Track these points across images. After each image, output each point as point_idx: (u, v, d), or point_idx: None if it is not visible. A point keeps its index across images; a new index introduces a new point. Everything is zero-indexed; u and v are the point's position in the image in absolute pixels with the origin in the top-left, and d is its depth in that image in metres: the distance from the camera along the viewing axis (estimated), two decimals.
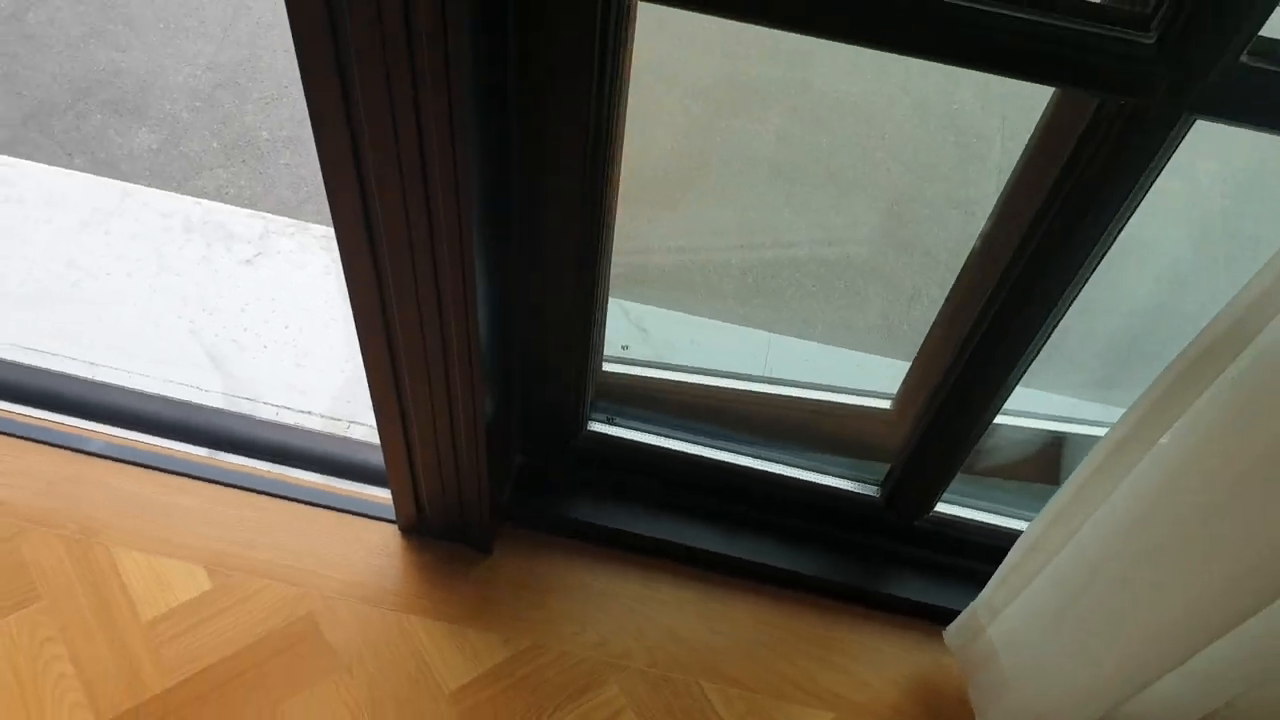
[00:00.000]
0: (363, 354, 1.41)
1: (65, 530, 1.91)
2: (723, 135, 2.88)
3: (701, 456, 1.78)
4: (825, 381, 1.84)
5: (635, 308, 2.10)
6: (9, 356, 2.13)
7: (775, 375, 1.87)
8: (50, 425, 2.02)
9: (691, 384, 1.81)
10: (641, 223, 2.60)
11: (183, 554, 1.89)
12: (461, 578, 1.86)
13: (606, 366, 1.80)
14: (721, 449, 1.80)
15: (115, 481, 1.96)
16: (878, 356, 2.28)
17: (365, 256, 1.23)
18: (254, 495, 1.95)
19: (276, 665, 1.79)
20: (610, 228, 1.45)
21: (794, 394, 1.82)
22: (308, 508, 1.93)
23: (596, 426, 1.79)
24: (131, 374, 2.15)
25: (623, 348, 1.82)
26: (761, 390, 1.83)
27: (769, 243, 2.59)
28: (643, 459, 1.81)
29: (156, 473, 1.97)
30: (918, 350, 1.56)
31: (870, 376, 2.13)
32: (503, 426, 1.73)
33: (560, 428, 1.78)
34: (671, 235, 2.56)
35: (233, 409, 2.09)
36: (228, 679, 1.77)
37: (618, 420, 1.80)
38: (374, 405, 1.55)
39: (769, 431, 1.84)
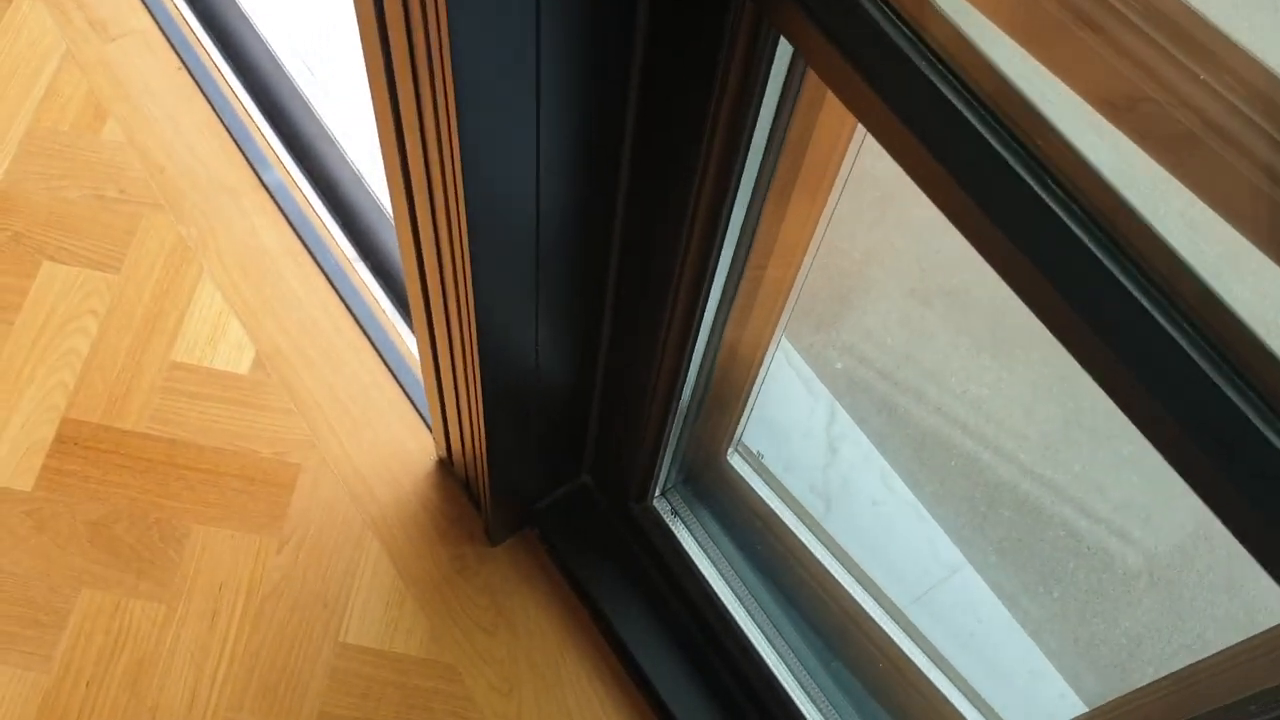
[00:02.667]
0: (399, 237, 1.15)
1: (186, 230, 1.84)
2: None
3: (745, 637, 1.43)
4: (984, 687, 1.42)
5: (847, 424, 1.74)
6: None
7: (923, 623, 1.46)
8: (256, 136, 1.94)
9: (809, 553, 1.44)
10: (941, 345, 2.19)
11: (253, 326, 1.76)
12: (451, 544, 1.62)
13: (733, 459, 1.47)
14: (773, 644, 1.43)
15: (260, 225, 1.86)
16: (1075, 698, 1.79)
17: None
18: (362, 337, 1.79)
19: (228, 488, 1.63)
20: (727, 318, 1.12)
21: (921, 661, 1.41)
22: (391, 380, 1.75)
23: (661, 506, 1.48)
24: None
25: (757, 452, 1.48)
26: (885, 629, 1.43)
27: (1048, 476, 2.10)
28: (684, 580, 1.48)
29: (303, 249, 1.85)
30: None
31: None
32: (547, 431, 1.45)
33: (625, 480, 1.48)
34: (953, 382, 2.14)
35: None
36: (181, 465, 1.64)
37: (684, 517, 1.48)
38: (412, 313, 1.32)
39: (857, 673, 1.45)
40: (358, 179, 1.92)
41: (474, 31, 0.74)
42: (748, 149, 0.86)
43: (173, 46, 1.99)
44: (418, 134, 0.90)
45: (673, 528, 1.48)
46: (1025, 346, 2.33)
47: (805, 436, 1.69)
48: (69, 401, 1.67)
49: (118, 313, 1.75)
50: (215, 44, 2.02)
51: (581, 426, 1.50)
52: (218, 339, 1.75)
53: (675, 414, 1.29)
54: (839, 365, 1.88)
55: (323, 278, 1.83)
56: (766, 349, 1.22)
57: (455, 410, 1.39)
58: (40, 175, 1.86)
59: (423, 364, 1.40)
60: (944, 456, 2.06)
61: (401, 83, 0.87)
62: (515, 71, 0.81)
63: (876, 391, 1.88)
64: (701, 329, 1.11)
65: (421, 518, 1.64)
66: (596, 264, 1.13)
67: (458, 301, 1.09)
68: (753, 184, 0.93)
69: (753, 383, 1.32)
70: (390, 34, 0.84)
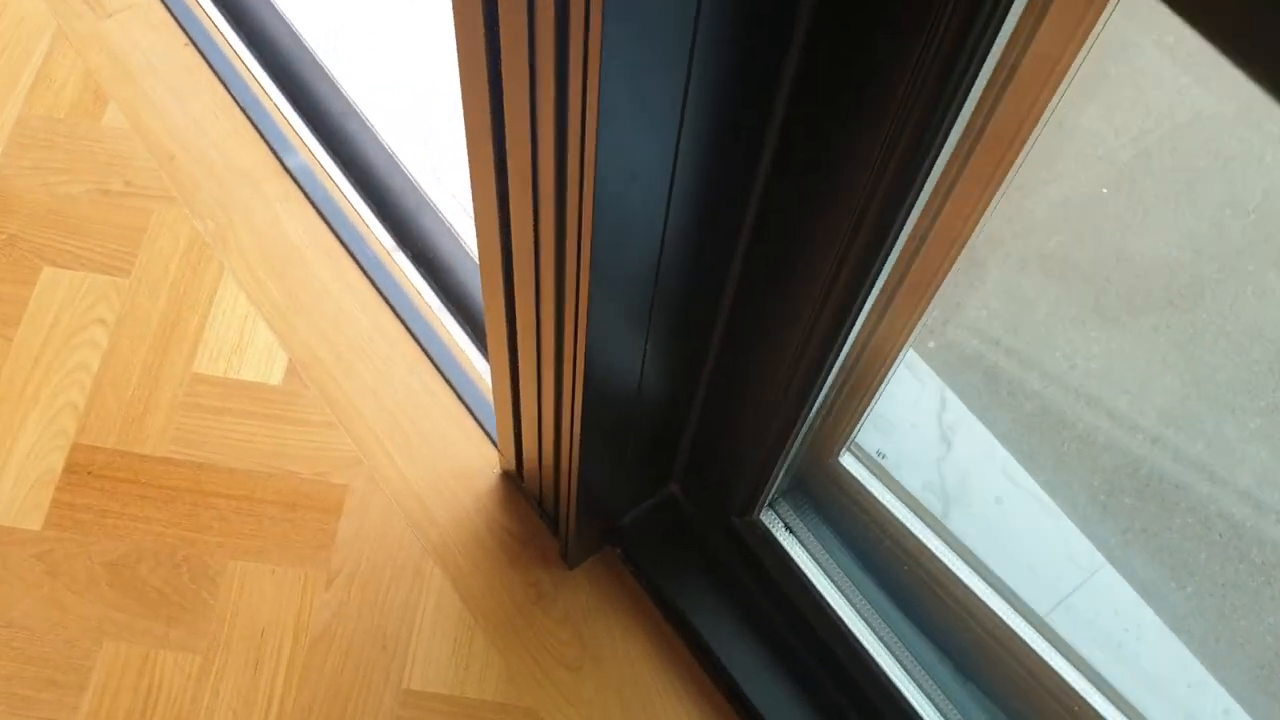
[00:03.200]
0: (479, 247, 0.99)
1: (202, 225, 1.64)
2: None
3: (869, 657, 1.23)
4: (1143, 702, 1.21)
5: (959, 411, 1.53)
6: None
7: (1067, 632, 1.25)
8: (275, 116, 1.74)
9: (936, 560, 1.24)
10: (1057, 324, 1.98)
11: (283, 330, 1.56)
12: (524, 569, 1.42)
13: (845, 460, 1.26)
14: (901, 664, 1.23)
15: (285, 215, 1.66)
16: None
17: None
18: (408, 337, 1.59)
19: (265, 516, 1.43)
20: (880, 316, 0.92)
21: (1070, 676, 1.21)
22: (442, 384, 1.55)
23: (769, 519, 1.28)
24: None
25: (877, 453, 1.28)
26: (1026, 640, 1.23)
27: (1170, 455, 1.89)
28: (797, 598, 1.28)
29: (335, 241, 1.65)
30: None
31: None
32: (641, 446, 1.25)
33: (728, 492, 1.28)
34: (1074, 357, 1.92)
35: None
36: (210, 492, 1.44)
37: (796, 529, 1.28)
38: (486, 317, 1.13)
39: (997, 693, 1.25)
40: (392, 160, 1.71)
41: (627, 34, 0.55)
42: (946, 130, 0.66)
43: (177, 20, 1.79)
44: (529, 152, 0.71)
45: (783, 541, 1.28)
46: (1134, 312, 2.11)
47: (914, 429, 1.48)
48: (79, 425, 1.47)
49: (130, 321, 1.55)
50: (225, 15, 1.81)
51: (675, 436, 1.30)
52: (244, 346, 1.55)
53: (803, 420, 1.08)
54: (937, 344, 1.67)
55: (359, 271, 1.62)
56: (905, 341, 1.03)
57: (535, 426, 1.20)
58: (36, 170, 1.66)
59: (495, 378, 1.21)
60: (1056, 440, 1.85)
61: (513, 95, 0.68)
62: (665, 67, 0.63)
63: (984, 370, 1.67)
64: (851, 330, 0.91)
65: (488, 541, 1.44)
66: (716, 276, 0.95)
67: (558, 333, 0.91)
68: (941, 171, 0.73)
69: (883, 379, 1.12)
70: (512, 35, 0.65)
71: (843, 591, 1.26)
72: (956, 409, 1.53)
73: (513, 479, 1.47)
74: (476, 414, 1.52)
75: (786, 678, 1.33)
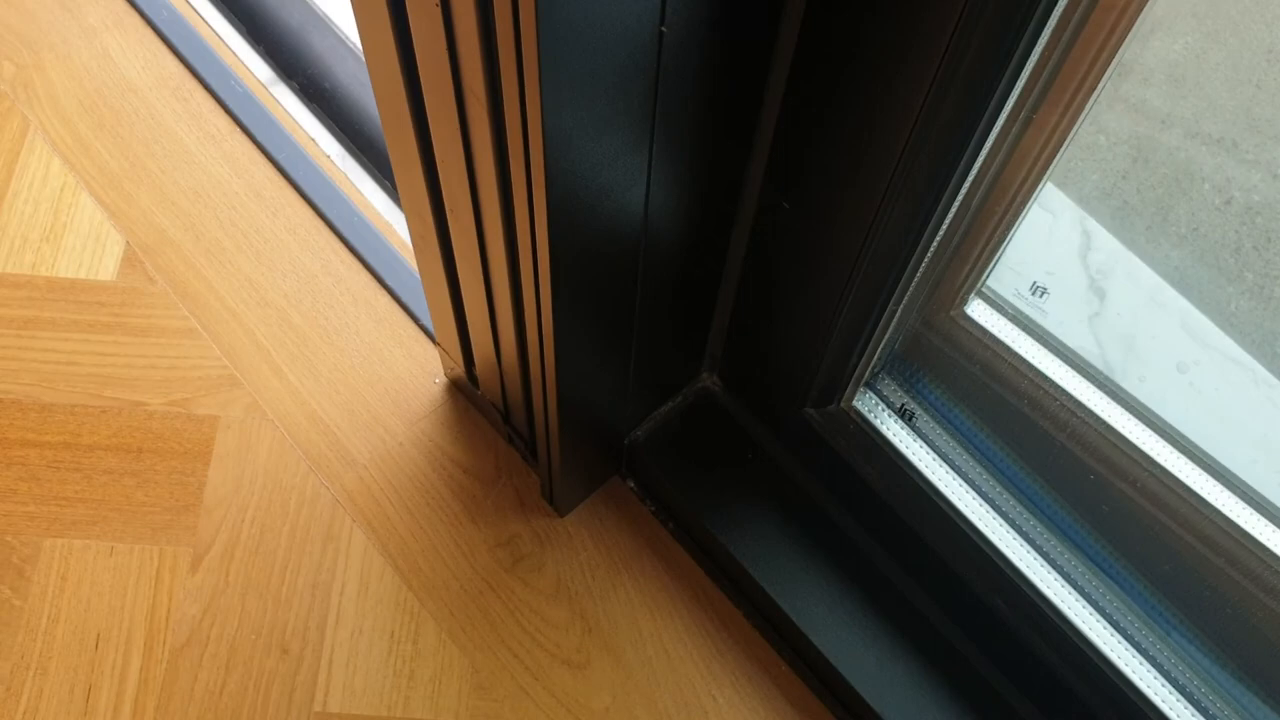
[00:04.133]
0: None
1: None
2: None
3: (1034, 590, 0.77)
4: None
5: (1112, 249, 1.08)
6: None
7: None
8: None
9: (1121, 445, 0.78)
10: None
11: (117, 205, 1.08)
12: (492, 523, 0.95)
13: (975, 310, 0.80)
14: (1085, 597, 0.78)
15: (117, 48, 1.17)
16: None
17: None
18: (298, 200, 1.11)
19: (98, 470, 0.96)
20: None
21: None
22: (352, 261, 1.07)
23: (865, 405, 0.82)
24: None
25: (1034, 288, 0.83)
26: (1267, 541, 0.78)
27: None
28: (919, 520, 0.82)
29: (188, 76, 1.16)
30: None
31: None
32: (656, 321, 0.79)
33: (792, 375, 0.82)
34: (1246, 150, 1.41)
35: None
36: (15, 441, 0.97)
37: (916, 417, 0.82)
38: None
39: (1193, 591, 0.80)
40: None
41: None
42: None
43: None
44: None
45: (891, 436, 0.82)
46: None
47: (1051, 276, 1.02)
48: None
49: None
50: None
51: (708, 303, 0.85)
52: (61, 230, 1.07)
53: (915, 261, 0.63)
54: (1072, 157, 1.20)
55: (223, 115, 1.14)
56: (1048, 164, 0.60)
57: (483, 300, 0.74)
58: None
59: (416, 233, 0.75)
60: (1261, 278, 1.36)
61: None
62: None
63: (1146, 189, 1.20)
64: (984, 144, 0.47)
65: (434, 484, 0.97)
66: (762, 28, 0.49)
67: (498, 143, 0.48)
68: None
69: (1018, 212, 0.69)
70: None
71: (989, 501, 0.81)
72: (1107, 246, 1.07)
73: (464, 389, 1.00)
74: (404, 300, 1.05)
75: (910, 655, 0.88)
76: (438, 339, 0.96)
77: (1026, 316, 0.85)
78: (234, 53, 1.18)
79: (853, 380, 0.81)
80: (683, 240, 0.74)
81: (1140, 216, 1.18)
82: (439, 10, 0.54)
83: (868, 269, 0.71)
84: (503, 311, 0.78)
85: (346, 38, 1.17)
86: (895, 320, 0.78)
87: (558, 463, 0.87)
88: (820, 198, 0.68)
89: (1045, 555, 0.79)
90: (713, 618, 0.93)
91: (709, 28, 0.57)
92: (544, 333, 0.71)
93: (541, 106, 0.51)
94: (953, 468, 0.81)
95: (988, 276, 0.81)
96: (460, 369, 0.95)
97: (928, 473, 0.80)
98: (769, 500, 0.91)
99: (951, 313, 0.82)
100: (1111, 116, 1.19)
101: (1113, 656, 0.77)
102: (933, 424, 0.82)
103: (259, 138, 1.12)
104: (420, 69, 0.62)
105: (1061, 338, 0.88)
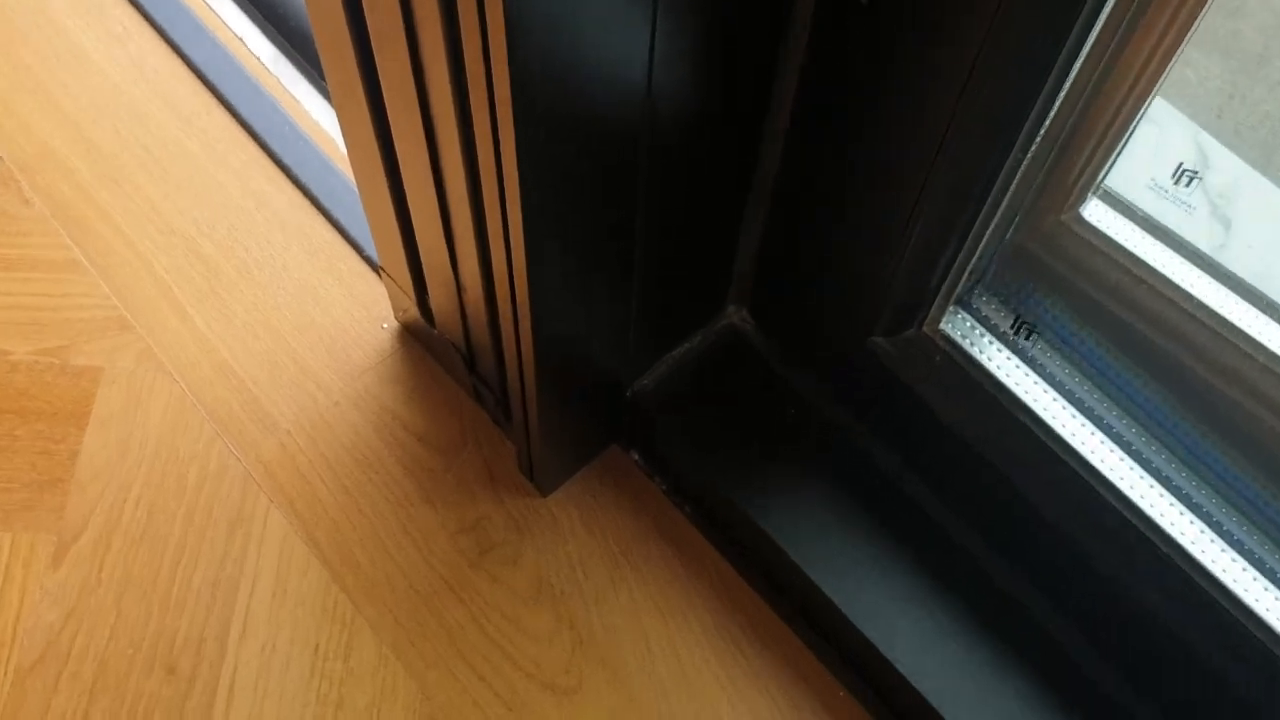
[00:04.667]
0: None
1: None
2: None
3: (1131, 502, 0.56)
4: None
5: (1232, 165, 0.87)
6: None
7: None
8: None
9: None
10: None
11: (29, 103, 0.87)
12: (451, 504, 0.74)
13: (1091, 212, 0.59)
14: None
15: None
16: None
17: None
18: (206, 92, 0.90)
19: None
20: None
21: None
22: (275, 172, 0.86)
23: (956, 329, 0.60)
24: None
25: (1181, 173, 0.62)
26: None
27: None
28: (1024, 470, 0.60)
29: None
30: None
31: None
32: (666, 236, 0.58)
33: (857, 295, 0.60)
34: None
35: None
36: None
37: (1037, 334, 0.60)
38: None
39: None
40: None
41: None
42: None
43: None
44: None
45: (997, 369, 0.60)
46: None
47: (1161, 196, 0.81)
48: None
49: None
50: None
51: (734, 213, 0.64)
52: None
53: (1020, 150, 0.43)
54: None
55: (132, 10, 0.94)
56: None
57: (436, 209, 0.54)
58: None
59: (347, 123, 0.55)
60: None
61: None
62: None
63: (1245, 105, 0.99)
64: None
65: (380, 452, 0.76)
66: None
67: None
68: None
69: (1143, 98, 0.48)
70: None
71: (1131, 451, 0.59)
72: (1227, 162, 0.86)
73: (420, 334, 0.79)
74: (348, 229, 0.83)
75: (1022, 674, 0.65)
76: (383, 264, 0.74)
77: (1155, 219, 0.64)
78: None
79: (939, 295, 0.60)
80: (701, 111, 0.53)
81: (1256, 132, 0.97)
82: None
83: (961, 140, 0.50)
84: (460, 219, 0.56)
85: None
86: (999, 215, 0.57)
87: (536, 422, 0.65)
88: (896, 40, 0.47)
89: (1210, 520, 0.58)
90: (741, 621, 0.70)
91: None
92: (512, 244, 0.50)
93: None
94: (1080, 407, 0.59)
95: (1107, 173, 0.61)
96: (412, 305, 0.74)
97: (1046, 414, 0.59)
98: (817, 468, 0.69)
99: (1063, 216, 0.61)
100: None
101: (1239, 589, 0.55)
102: (1050, 349, 0.60)
103: (172, 35, 0.91)
104: None
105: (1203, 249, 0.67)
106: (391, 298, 0.78)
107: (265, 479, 0.74)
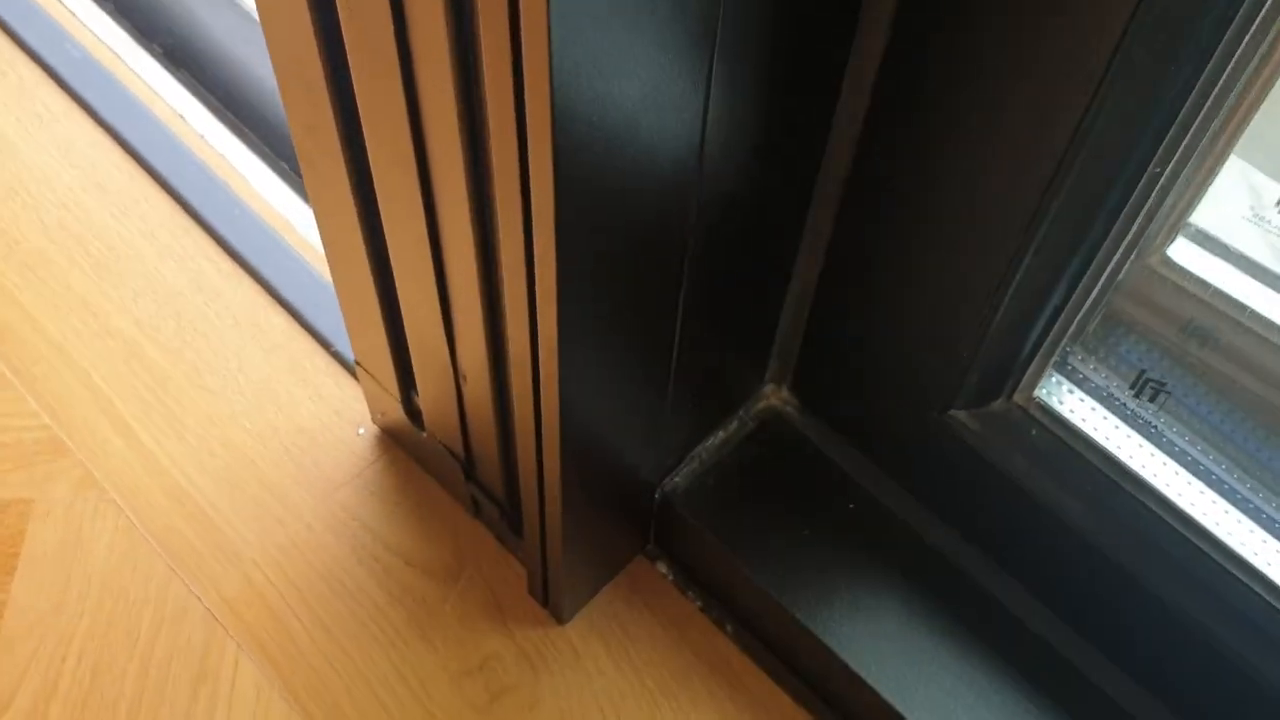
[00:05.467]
0: None
1: None
2: None
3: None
4: None
5: None
6: None
7: None
8: None
9: None
10: None
11: None
12: (448, 637, 0.63)
13: (1179, 252, 0.50)
14: None
15: None
16: None
17: None
18: (148, 180, 0.80)
19: None
20: None
21: None
22: (228, 263, 0.76)
23: (1052, 396, 0.51)
24: None
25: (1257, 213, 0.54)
26: None
27: None
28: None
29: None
30: None
31: None
32: (707, 306, 0.49)
33: (917, 370, 0.51)
34: None
35: None
36: None
37: (1161, 395, 0.51)
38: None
39: None
40: None
41: None
42: None
43: None
44: None
45: (1113, 446, 0.51)
46: None
47: (1260, 227, 0.73)
48: None
49: None
50: None
51: (779, 282, 0.55)
52: None
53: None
54: None
55: (58, 91, 0.84)
56: None
57: (436, 299, 0.45)
58: None
59: (325, 212, 0.47)
60: None
61: None
62: None
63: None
64: None
65: (362, 586, 0.65)
66: None
67: None
68: None
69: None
70: None
71: (1265, 521, 0.50)
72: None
73: (403, 438, 0.68)
74: (310, 320, 0.73)
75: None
76: (359, 359, 0.64)
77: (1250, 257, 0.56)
78: (70, 10, 0.88)
79: (1035, 359, 0.51)
80: (755, 174, 0.44)
81: None
82: None
83: (1077, 180, 0.42)
84: (467, 310, 0.47)
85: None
86: (1104, 264, 0.48)
87: (557, 537, 0.55)
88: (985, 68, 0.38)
89: None
90: None
91: None
92: (541, 331, 0.40)
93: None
94: (1208, 480, 0.50)
95: (1195, 209, 0.53)
96: (396, 405, 0.63)
97: (1170, 492, 0.49)
98: (890, 575, 0.59)
99: (1150, 260, 0.53)
100: None
101: None
102: (1169, 416, 0.51)
103: (104, 115, 0.81)
104: None
105: None
106: (368, 397, 0.68)
107: (231, 620, 0.63)
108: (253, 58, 0.84)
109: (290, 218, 0.78)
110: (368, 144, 0.44)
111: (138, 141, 0.80)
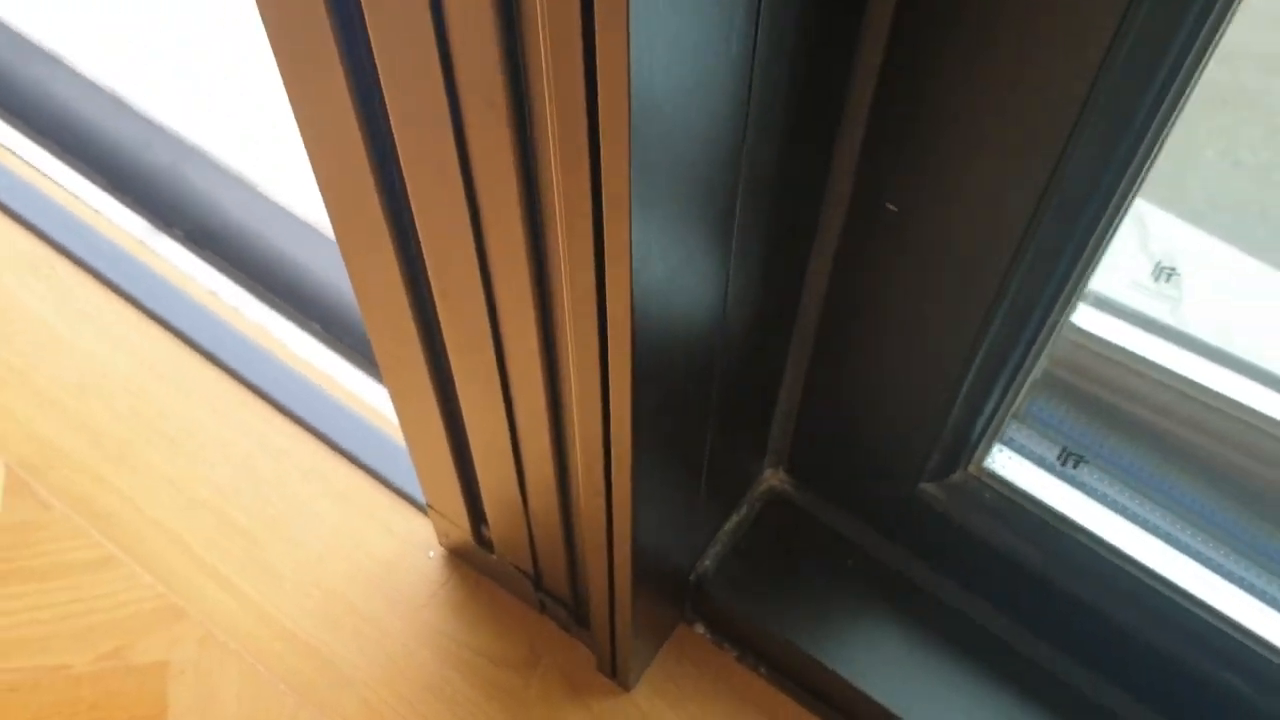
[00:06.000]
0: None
1: None
2: None
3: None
4: None
5: (1174, 231, 0.94)
6: None
7: None
8: None
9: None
10: None
11: None
12: (536, 700, 0.76)
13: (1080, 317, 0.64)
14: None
15: None
16: None
17: None
18: (202, 361, 0.92)
19: None
20: None
21: None
22: (288, 425, 0.88)
23: (998, 464, 0.65)
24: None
25: (1161, 270, 0.68)
26: None
27: None
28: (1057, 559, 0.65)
29: (47, 250, 0.97)
30: None
31: None
32: (726, 422, 0.63)
33: (889, 451, 0.65)
34: None
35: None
36: None
37: (1082, 464, 0.65)
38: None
39: None
40: (100, 93, 1.04)
41: None
42: None
43: None
44: None
45: (1049, 498, 0.65)
46: None
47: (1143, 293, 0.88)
48: None
49: None
50: None
51: (773, 386, 0.68)
52: None
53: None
54: None
55: (99, 286, 0.95)
56: None
57: (508, 446, 0.57)
58: None
59: (396, 383, 0.57)
60: None
61: None
62: None
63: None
64: None
65: (457, 687, 0.78)
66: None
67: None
68: None
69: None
70: None
71: (1195, 554, 0.64)
72: (1170, 230, 0.92)
73: (469, 555, 0.81)
74: (368, 463, 0.86)
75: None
76: (431, 503, 0.77)
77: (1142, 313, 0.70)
78: (96, 209, 0.99)
79: (985, 435, 0.65)
80: (759, 314, 0.57)
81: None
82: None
83: (1019, 293, 0.55)
84: (536, 454, 0.60)
85: (229, 167, 0.99)
86: (1047, 346, 0.62)
87: (626, 628, 0.68)
88: (945, 187, 0.51)
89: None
90: None
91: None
92: (614, 470, 0.53)
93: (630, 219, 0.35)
94: (1131, 517, 0.64)
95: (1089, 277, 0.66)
96: (464, 532, 0.76)
97: (1104, 533, 0.64)
98: (889, 610, 0.73)
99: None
100: None
101: None
102: (1095, 470, 0.65)
103: (145, 303, 0.93)
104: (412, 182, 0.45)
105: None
106: (436, 526, 0.81)
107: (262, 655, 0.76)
108: (271, 229, 0.96)
109: (335, 375, 0.90)
110: (449, 350, 0.57)
111: (180, 323, 0.92)
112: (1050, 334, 0.60)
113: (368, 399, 0.90)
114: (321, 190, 0.50)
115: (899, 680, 0.71)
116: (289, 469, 0.86)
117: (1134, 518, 0.64)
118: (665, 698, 0.77)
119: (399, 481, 0.85)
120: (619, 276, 0.41)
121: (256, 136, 1.03)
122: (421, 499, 0.79)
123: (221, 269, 0.96)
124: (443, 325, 0.55)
